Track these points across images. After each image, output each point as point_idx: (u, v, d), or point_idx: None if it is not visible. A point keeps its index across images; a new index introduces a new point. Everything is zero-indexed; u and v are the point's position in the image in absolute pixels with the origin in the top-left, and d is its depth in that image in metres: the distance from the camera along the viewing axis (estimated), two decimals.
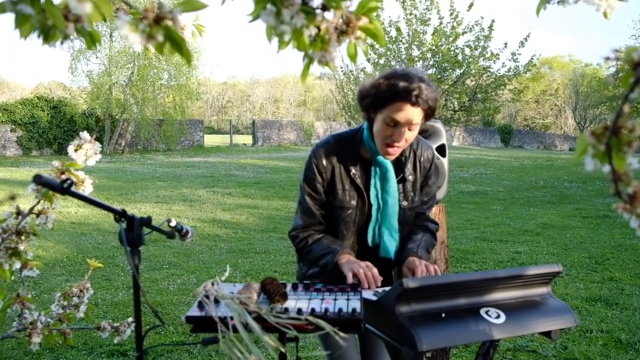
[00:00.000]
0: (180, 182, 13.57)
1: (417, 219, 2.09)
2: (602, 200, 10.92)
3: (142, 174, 15.39)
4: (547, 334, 1.55)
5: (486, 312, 1.47)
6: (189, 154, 24.98)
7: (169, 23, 0.84)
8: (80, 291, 2.12)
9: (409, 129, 1.82)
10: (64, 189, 1.07)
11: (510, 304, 1.53)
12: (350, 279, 1.76)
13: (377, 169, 1.96)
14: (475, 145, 38.10)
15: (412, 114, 1.79)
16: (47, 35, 0.99)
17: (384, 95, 1.80)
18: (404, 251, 2.00)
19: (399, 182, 1.99)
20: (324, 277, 1.98)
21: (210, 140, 34.64)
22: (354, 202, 1.96)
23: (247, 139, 34.31)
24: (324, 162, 1.95)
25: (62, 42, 1.05)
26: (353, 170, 1.95)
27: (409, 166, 2.00)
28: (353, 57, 1.34)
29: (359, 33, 1.11)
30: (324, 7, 1.03)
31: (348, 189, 1.95)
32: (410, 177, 2.00)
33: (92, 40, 1.17)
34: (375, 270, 1.80)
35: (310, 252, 1.98)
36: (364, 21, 1.08)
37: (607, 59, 0.72)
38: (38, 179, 1.04)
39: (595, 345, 3.69)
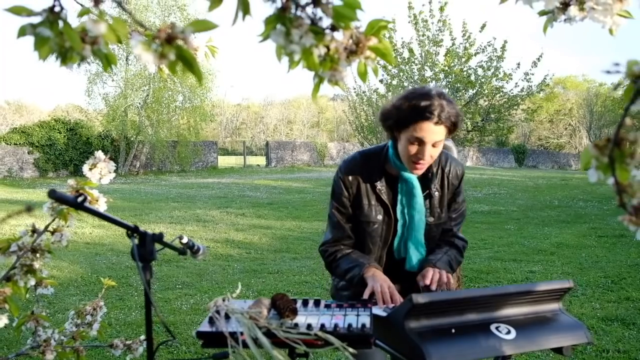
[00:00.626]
0: (194, 203, 13.64)
1: (445, 235, 2.11)
2: (617, 219, 10.76)
3: (156, 195, 15.51)
4: (558, 350, 1.54)
5: (496, 328, 1.47)
6: (203, 175, 25.13)
7: (181, 42, 0.87)
8: (94, 309, 2.14)
9: (433, 146, 1.86)
10: (78, 204, 1.10)
11: (521, 320, 1.53)
12: (365, 295, 1.78)
13: (403, 185, 2.00)
14: (489, 165, 37.95)
15: (435, 132, 1.83)
16: (65, 57, 1.02)
17: (406, 115, 1.84)
18: (422, 262, 2.03)
19: (425, 198, 2.01)
20: (354, 290, 2.01)
21: (224, 161, 34.84)
22: (379, 217, 2.00)
23: (261, 160, 34.49)
24: (350, 177, 2.00)
25: (79, 64, 1.08)
26: (379, 186, 1.99)
27: (436, 182, 2.03)
28: (363, 76, 1.36)
29: (368, 53, 1.14)
30: (333, 28, 1.06)
31: (374, 204, 1.99)
32: (437, 194, 2.03)
33: (108, 62, 1.21)
34: (394, 291, 1.83)
35: (338, 267, 2.02)
36: (373, 41, 1.11)
37: (608, 72, 0.73)
38: (52, 194, 1.06)
39: None
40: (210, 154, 29.53)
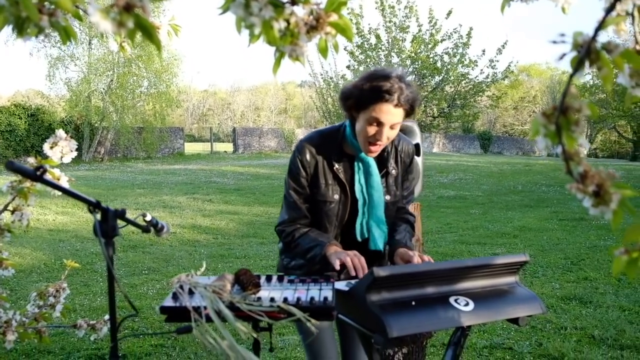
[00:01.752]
0: (160, 189, 13.49)
1: (398, 212, 2.15)
2: (578, 203, 11.03)
3: (121, 182, 15.28)
4: (515, 320, 1.59)
5: (455, 300, 1.51)
6: (169, 161, 24.83)
7: (139, 11, 0.87)
8: (57, 291, 2.12)
9: (391, 128, 1.89)
10: (37, 176, 1.09)
11: (479, 293, 1.58)
12: (337, 266, 1.79)
13: (361, 165, 2.02)
14: (455, 151, 38.41)
15: (394, 114, 1.85)
16: (21, 29, 1.01)
17: (366, 96, 1.86)
18: (391, 243, 2.06)
19: (382, 176, 2.04)
20: (306, 269, 2.02)
21: (190, 148, 34.48)
22: (336, 197, 2.01)
23: (228, 147, 34.22)
24: (308, 157, 2.00)
25: (37, 36, 1.07)
26: (336, 165, 2.00)
27: (392, 161, 2.06)
28: (324, 52, 1.37)
29: (328, 29, 1.15)
30: (293, 2, 1.07)
31: (331, 183, 2.00)
32: (393, 172, 2.07)
33: (66, 35, 1.19)
34: (362, 259, 1.84)
35: (297, 246, 2.02)
36: (333, 17, 1.12)
37: (554, 42, 0.76)
38: (10, 165, 1.05)
39: (569, 341, 3.76)
40: (176, 140, 29.17)
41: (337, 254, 1.86)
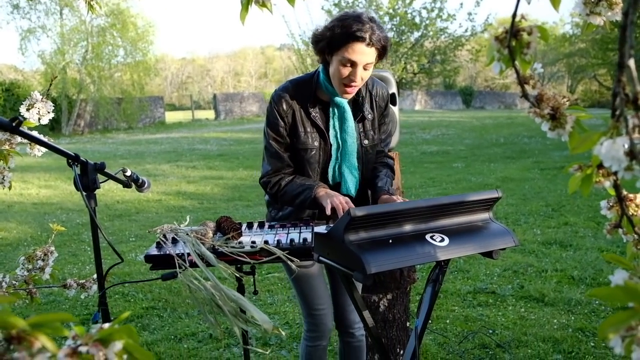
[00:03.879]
0: (143, 159, 13.43)
1: (378, 155, 2.19)
2: (559, 153, 11.24)
3: (103, 153, 15.18)
4: (489, 254, 1.66)
5: (431, 237, 1.56)
6: (151, 131, 24.60)
7: None
8: (45, 254, 2.14)
9: (364, 68, 1.91)
10: (13, 127, 1.11)
11: (454, 229, 1.63)
12: (328, 211, 1.82)
13: (335, 110, 2.04)
14: (437, 108, 38.41)
15: (367, 53, 1.88)
16: None
17: (339, 37, 1.87)
18: (375, 189, 2.10)
19: (358, 121, 2.07)
20: (294, 218, 2.06)
21: (171, 117, 34.11)
22: (316, 143, 2.03)
23: (209, 114, 33.88)
24: (285, 106, 2.01)
25: None
26: (313, 113, 2.02)
27: (367, 106, 2.09)
28: None
29: None
30: None
31: (310, 130, 2.03)
32: (369, 116, 2.09)
33: None
34: (352, 205, 1.87)
35: (285, 194, 2.03)
36: None
37: None
38: None
39: (549, 282, 3.89)
40: (157, 110, 28.84)
41: (328, 196, 1.89)
